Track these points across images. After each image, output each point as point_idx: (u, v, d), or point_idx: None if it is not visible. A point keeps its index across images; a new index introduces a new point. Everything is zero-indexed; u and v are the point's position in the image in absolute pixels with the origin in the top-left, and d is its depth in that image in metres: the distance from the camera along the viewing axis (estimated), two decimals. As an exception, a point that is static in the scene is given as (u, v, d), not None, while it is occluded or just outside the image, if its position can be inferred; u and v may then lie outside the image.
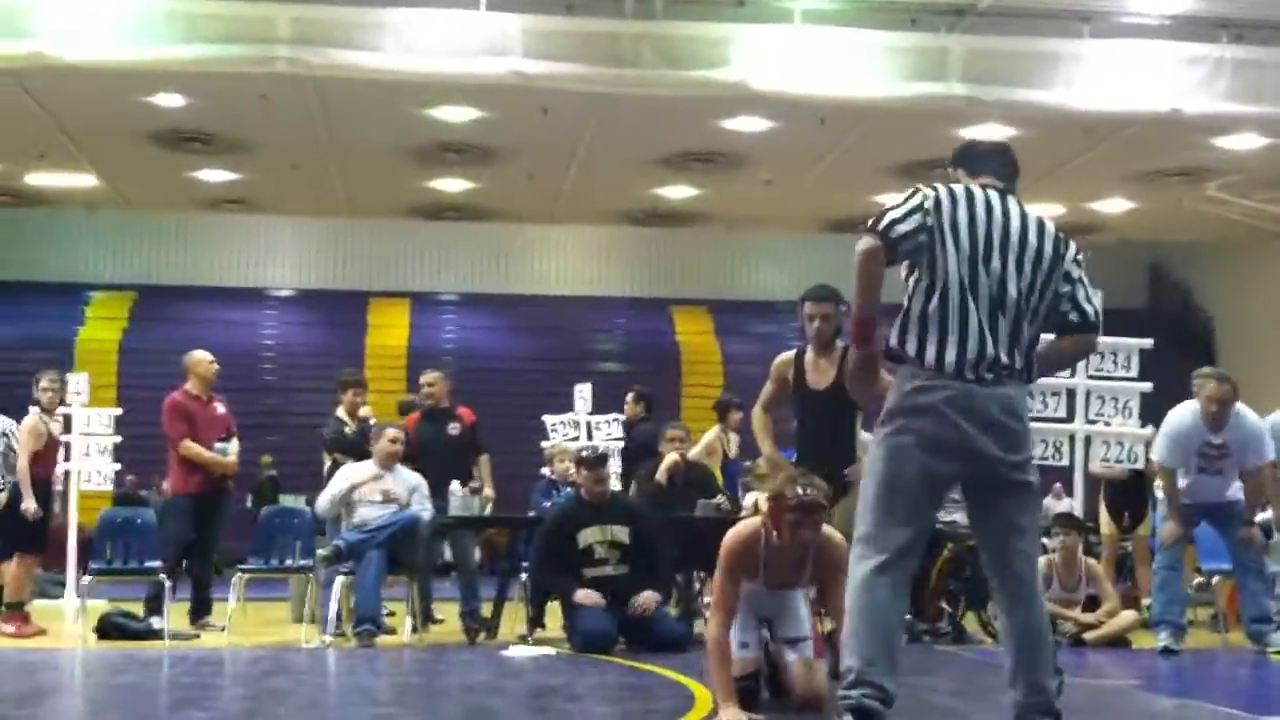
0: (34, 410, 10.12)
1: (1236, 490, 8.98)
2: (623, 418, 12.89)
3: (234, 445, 10.37)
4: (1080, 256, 4.60)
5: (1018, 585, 4.46)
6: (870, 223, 4.45)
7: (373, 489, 9.35)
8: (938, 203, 4.43)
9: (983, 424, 4.32)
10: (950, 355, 4.34)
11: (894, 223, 4.40)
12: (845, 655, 4.36)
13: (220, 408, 10.44)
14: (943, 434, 4.32)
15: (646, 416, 12.15)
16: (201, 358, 10.43)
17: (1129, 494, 10.82)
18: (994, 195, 4.52)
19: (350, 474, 9.49)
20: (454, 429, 10.24)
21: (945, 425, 4.31)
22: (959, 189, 4.51)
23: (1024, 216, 4.52)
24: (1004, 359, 4.36)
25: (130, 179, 20.16)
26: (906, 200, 4.45)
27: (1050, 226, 4.57)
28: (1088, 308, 4.58)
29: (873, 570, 4.33)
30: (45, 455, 10.16)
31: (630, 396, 12.60)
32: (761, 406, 7.37)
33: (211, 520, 10.18)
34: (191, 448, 10.05)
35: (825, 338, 7.10)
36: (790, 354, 7.30)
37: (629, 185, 20.46)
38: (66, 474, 12.20)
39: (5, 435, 10.34)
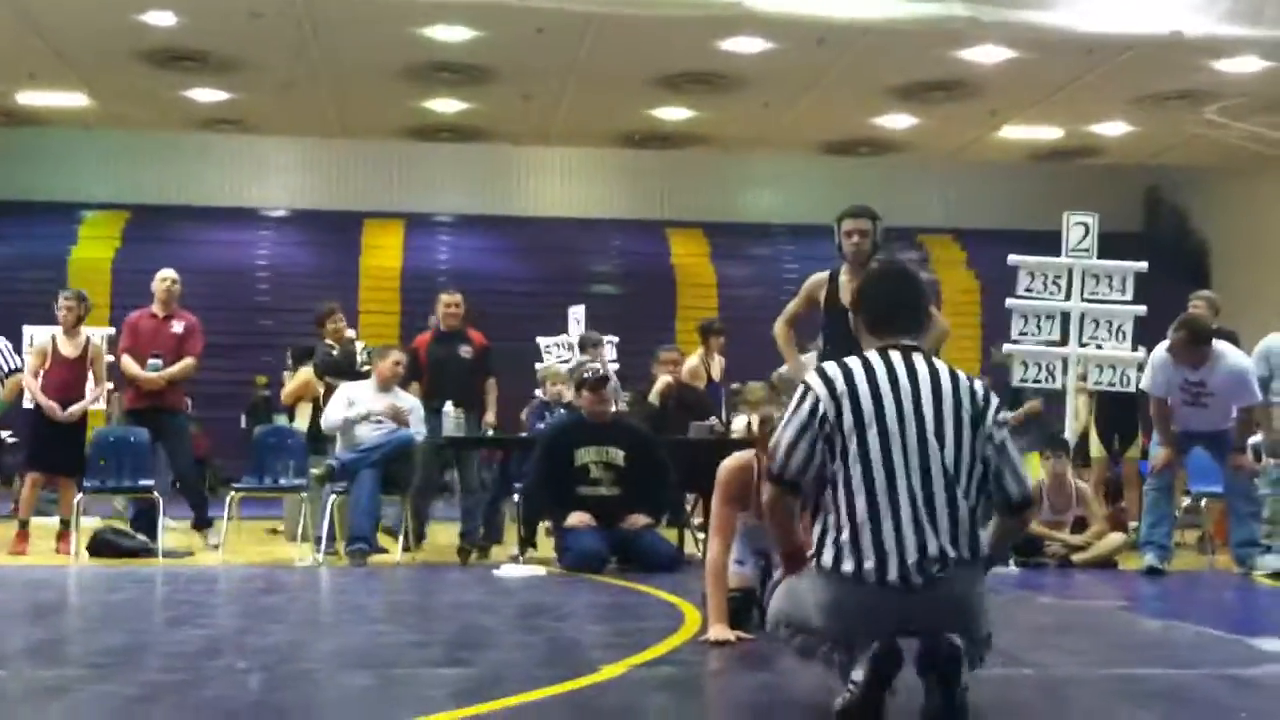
0: (53, 329, 10.21)
1: (1227, 420, 9.02)
2: (615, 340, 12.87)
3: (177, 366, 10.10)
4: (1002, 417, 4.03)
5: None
6: (770, 469, 4.03)
7: (369, 407, 9.40)
8: (836, 399, 3.92)
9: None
10: (870, 564, 3.81)
11: (787, 459, 3.94)
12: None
13: (177, 326, 10.25)
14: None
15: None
16: (160, 275, 10.39)
17: (1119, 417, 10.86)
18: (899, 360, 4.00)
19: (351, 393, 9.52)
20: (465, 351, 10.21)
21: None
22: (858, 369, 3.98)
23: (935, 375, 3.98)
24: (945, 550, 3.82)
25: (122, 98, 19.98)
26: (793, 414, 3.98)
27: (966, 382, 4.00)
28: (1012, 488, 4.00)
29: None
30: (52, 373, 10.09)
31: None
32: (785, 320, 7.49)
33: (164, 437, 10.08)
34: (123, 361, 10.07)
35: (864, 255, 7.17)
36: (824, 274, 7.44)
37: (625, 106, 20.31)
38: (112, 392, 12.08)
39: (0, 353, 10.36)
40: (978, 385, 4.02)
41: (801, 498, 4.03)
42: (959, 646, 3.73)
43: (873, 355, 4.04)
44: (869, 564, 3.80)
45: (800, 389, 4.04)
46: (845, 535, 3.85)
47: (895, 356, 4.01)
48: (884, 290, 4.23)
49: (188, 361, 10.24)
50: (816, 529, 3.96)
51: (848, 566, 3.82)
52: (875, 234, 7.18)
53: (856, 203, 7.36)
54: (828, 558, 3.88)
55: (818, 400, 3.94)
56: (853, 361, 4.02)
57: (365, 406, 9.39)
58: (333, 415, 9.50)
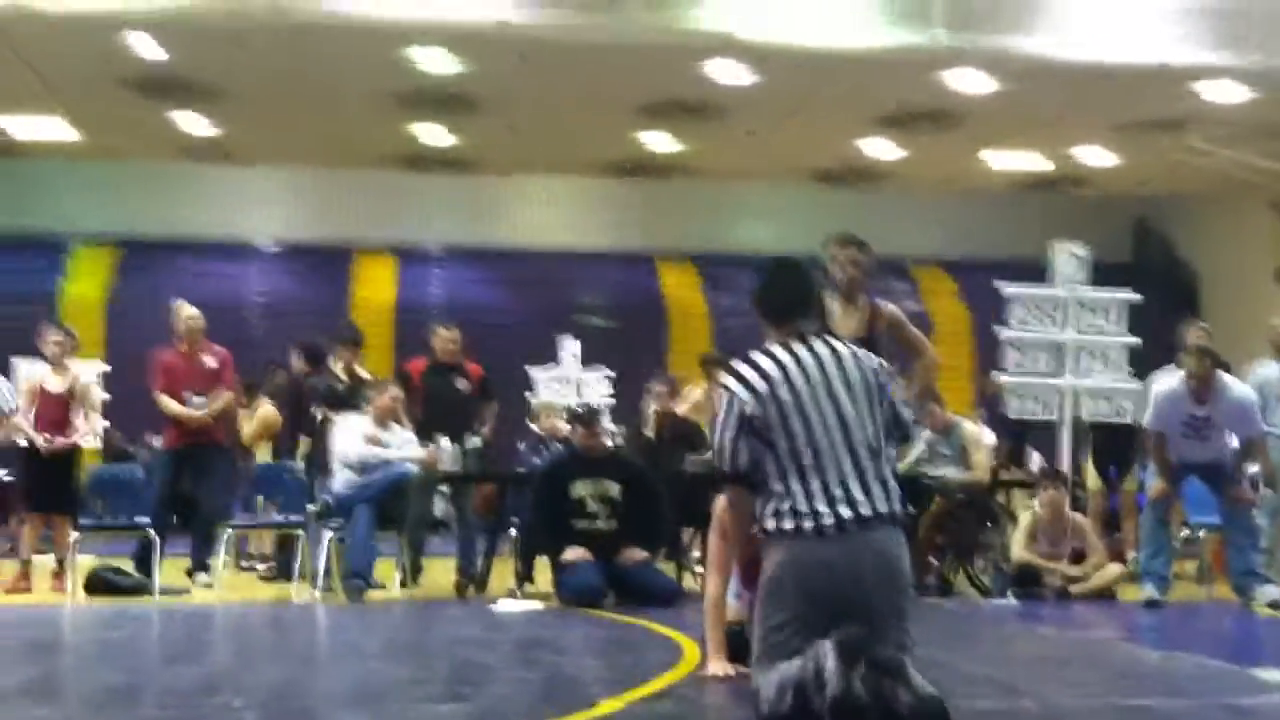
0: (40, 365, 10.23)
1: (1226, 450, 9.03)
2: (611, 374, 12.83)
3: (219, 401, 10.16)
4: (889, 388, 4.54)
5: None
6: (718, 471, 4.54)
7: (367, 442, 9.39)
8: (756, 395, 4.34)
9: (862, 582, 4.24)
10: (809, 523, 4.27)
11: (733, 459, 4.39)
12: None
13: (210, 361, 10.28)
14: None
15: (311, 370, 11.14)
16: (180, 311, 10.37)
17: (1116, 448, 10.86)
18: (804, 350, 4.42)
19: (355, 429, 9.47)
20: (462, 384, 10.19)
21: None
22: (769, 364, 4.39)
23: (838, 356, 4.43)
24: (877, 508, 4.29)
25: (108, 128, 19.93)
26: (725, 419, 4.41)
27: (866, 359, 4.49)
28: (906, 423, 4.73)
29: None
30: (41, 410, 10.00)
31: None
32: None
33: (199, 475, 10.12)
34: (162, 400, 10.03)
35: (852, 284, 6.99)
36: None
37: (611, 135, 20.35)
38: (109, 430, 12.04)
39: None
40: (874, 360, 4.53)
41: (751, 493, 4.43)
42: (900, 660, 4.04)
43: (778, 350, 4.44)
44: (808, 523, 4.25)
45: (724, 395, 4.46)
46: (786, 505, 4.30)
47: (799, 348, 4.43)
48: (778, 285, 4.65)
49: (229, 395, 10.30)
50: (761, 509, 4.38)
51: (788, 525, 4.28)
52: (867, 262, 7.07)
53: (846, 231, 7.23)
54: (772, 524, 4.32)
55: (742, 403, 4.37)
56: (762, 359, 4.43)
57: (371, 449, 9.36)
58: (352, 453, 9.41)
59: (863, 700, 3.94)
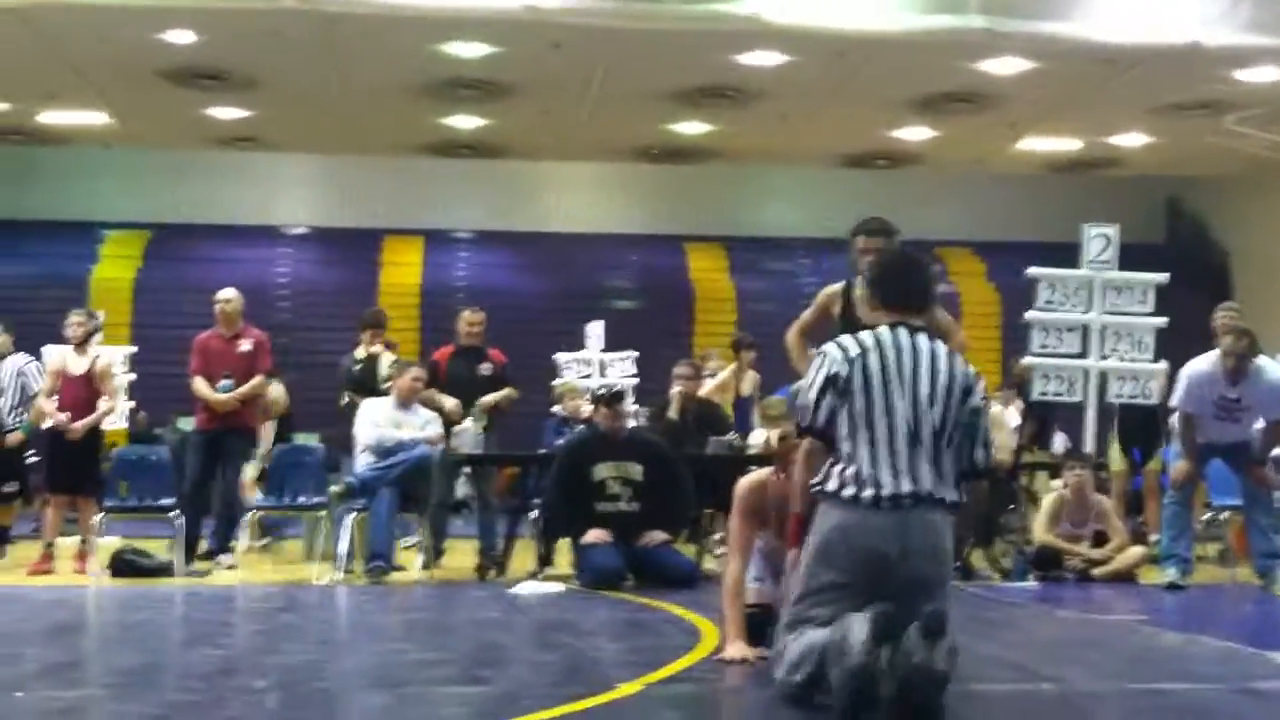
0: (64, 348, 10.26)
1: (1251, 431, 8.97)
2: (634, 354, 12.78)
3: (248, 385, 10.18)
4: (983, 400, 4.71)
5: None
6: (800, 425, 4.73)
7: (388, 424, 9.42)
8: (850, 365, 4.56)
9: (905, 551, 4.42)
10: (869, 492, 4.46)
11: (814, 414, 4.61)
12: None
13: (245, 345, 10.33)
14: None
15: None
16: (219, 295, 10.46)
17: (1141, 429, 10.79)
18: (905, 336, 4.62)
19: (375, 411, 9.52)
20: (485, 369, 10.20)
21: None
22: (869, 341, 4.61)
23: (934, 352, 4.62)
24: (931, 491, 4.47)
25: (143, 117, 20.09)
26: (814, 377, 4.64)
27: (960, 364, 4.67)
28: (977, 455, 4.66)
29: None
30: (63, 391, 10.08)
31: None
32: (798, 330, 7.24)
33: (223, 458, 10.17)
34: (194, 383, 10.11)
35: None
36: (839, 286, 7.05)
37: (643, 121, 20.32)
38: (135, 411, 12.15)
39: (21, 374, 10.42)
40: (969, 369, 4.69)
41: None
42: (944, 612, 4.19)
43: (883, 330, 4.65)
44: (868, 492, 4.45)
45: (819, 356, 4.68)
46: (849, 471, 4.50)
47: (902, 333, 4.63)
48: (897, 272, 4.86)
49: (258, 379, 10.32)
50: (826, 467, 4.59)
51: (848, 492, 4.47)
52: (892, 250, 6.94)
53: (873, 216, 7.03)
54: (833, 485, 4.52)
55: (833, 363, 4.59)
56: (865, 334, 4.66)
57: (395, 429, 9.38)
58: (366, 436, 9.46)
59: (883, 677, 4.04)
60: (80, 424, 9.84)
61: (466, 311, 10.44)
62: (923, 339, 4.64)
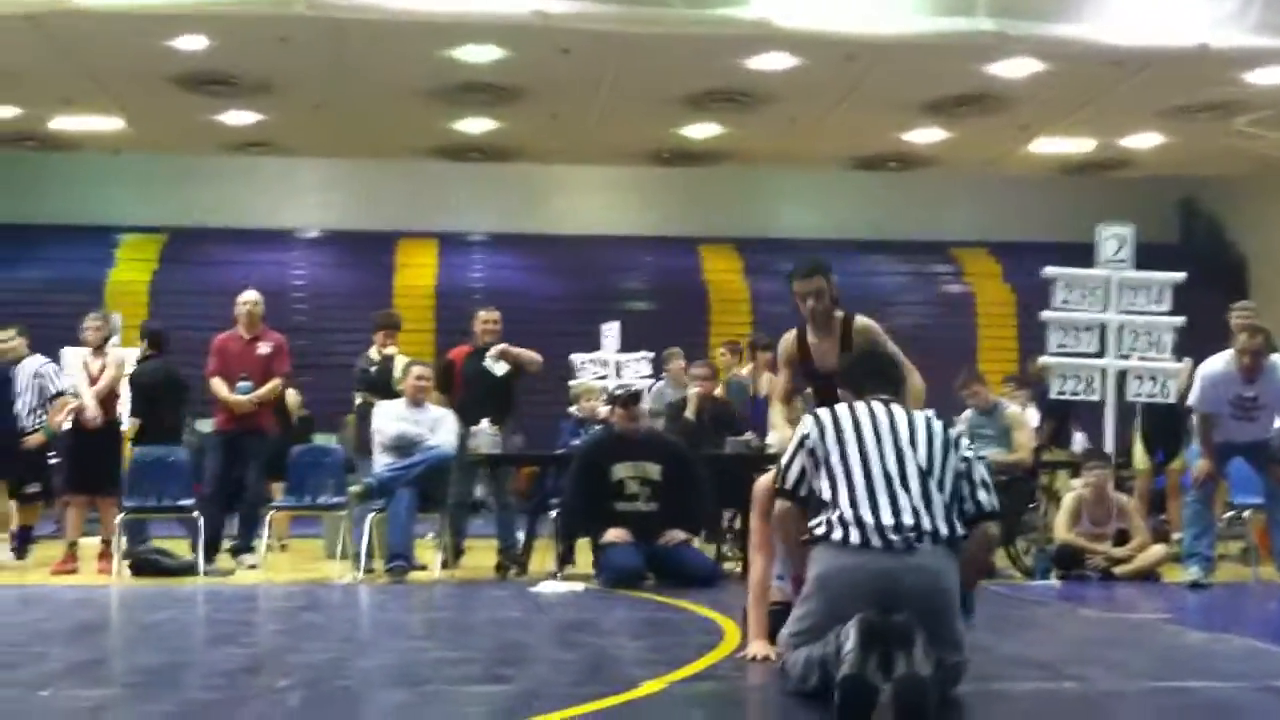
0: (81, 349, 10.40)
1: (1271, 430, 8.95)
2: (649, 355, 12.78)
3: (266, 387, 10.28)
4: (969, 453, 4.78)
5: None
6: (776, 487, 4.87)
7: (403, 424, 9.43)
8: (820, 426, 4.74)
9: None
10: (856, 534, 4.48)
11: (786, 472, 4.79)
12: None
13: (264, 348, 10.40)
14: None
15: (150, 354, 11.03)
16: (244, 297, 10.51)
17: (1165, 428, 10.76)
18: (878, 405, 4.79)
19: (389, 413, 9.53)
20: (500, 369, 10.24)
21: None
22: (840, 407, 4.82)
23: (910, 414, 4.78)
24: (920, 522, 4.47)
25: (156, 122, 20.16)
26: (792, 443, 4.83)
27: (938, 422, 4.82)
28: (983, 498, 4.70)
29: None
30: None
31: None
32: (779, 399, 6.82)
33: (243, 459, 10.22)
34: (213, 384, 10.14)
35: (822, 315, 6.40)
36: (792, 334, 6.61)
37: (653, 124, 20.33)
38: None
39: (40, 376, 10.45)
40: (946, 427, 4.82)
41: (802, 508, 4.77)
42: (925, 680, 4.01)
43: (856, 403, 4.86)
44: (855, 533, 4.47)
45: (799, 427, 4.86)
46: (835, 515, 4.53)
47: (874, 402, 4.82)
48: (860, 368, 5.16)
49: (275, 382, 10.38)
50: (814, 518, 4.65)
51: (837, 535, 4.49)
52: (831, 287, 6.43)
53: (806, 258, 6.63)
54: (821, 531, 4.55)
55: (808, 431, 4.77)
56: (840, 405, 4.88)
57: (407, 427, 9.40)
58: (390, 438, 9.46)
59: (873, 683, 4.00)
60: (93, 400, 9.91)
61: (482, 311, 10.46)
62: (895, 407, 4.81)
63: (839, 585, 4.44)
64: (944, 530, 4.48)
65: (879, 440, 4.64)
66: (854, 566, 4.42)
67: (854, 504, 4.51)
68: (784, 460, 4.82)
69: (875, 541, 4.42)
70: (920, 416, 4.80)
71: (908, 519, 4.45)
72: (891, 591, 4.32)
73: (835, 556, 4.47)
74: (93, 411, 10.01)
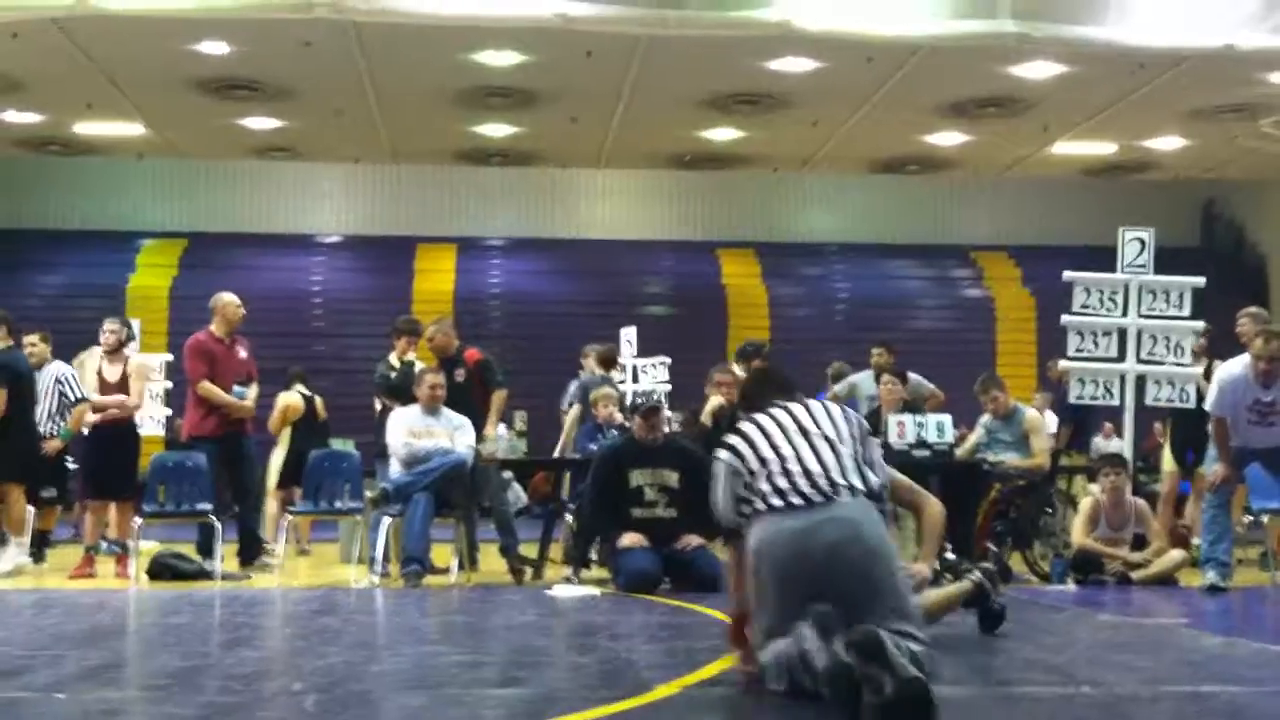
0: (95, 352, 10.43)
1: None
2: (667, 360, 12.77)
3: (253, 390, 10.42)
4: (866, 430, 5.17)
5: None
6: (725, 531, 5.10)
7: (420, 431, 9.45)
8: (732, 447, 5.01)
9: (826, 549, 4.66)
10: (779, 500, 4.80)
11: (727, 511, 4.99)
12: None
13: (243, 352, 10.46)
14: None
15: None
16: (229, 300, 10.47)
17: (1194, 433, 10.71)
18: (776, 410, 5.10)
19: (404, 420, 9.55)
20: (459, 375, 10.17)
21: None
22: (742, 424, 5.14)
23: (808, 404, 5.14)
24: (833, 477, 4.82)
25: (177, 127, 20.27)
26: (719, 480, 5.03)
27: (836, 407, 5.18)
28: (871, 477, 4.96)
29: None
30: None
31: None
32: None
33: (237, 463, 10.24)
34: (209, 389, 10.13)
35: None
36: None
37: (674, 127, 20.35)
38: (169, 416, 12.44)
39: (60, 381, 10.51)
40: (845, 409, 5.20)
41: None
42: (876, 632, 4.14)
43: (757, 415, 5.17)
44: (776, 499, 4.79)
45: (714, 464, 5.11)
46: (760, 501, 4.83)
47: (772, 409, 5.11)
48: (754, 389, 5.49)
49: (256, 387, 10.48)
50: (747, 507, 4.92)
51: (761, 505, 4.81)
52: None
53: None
54: (749, 510, 4.85)
55: (725, 458, 5.01)
56: (742, 422, 5.19)
57: (424, 437, 9.42)
58: (400, 450, 9.49)
59: (851, 666, 4.04)
60: (113, 405, 10.00)
61: (431, 326, 10.45)
62: (793, 404, 5.11)
63: (772, 549, 4.70)
64: (859, 484, 4.84)
65: (783, 429, 4.97)
66: (781, 527, 4.71)
67: (771, 477, 4.83)
68: (715, 498, 5.00)
69: (795, 500, 4.75)
70: (818, 403, 5.15)
71: (821, 480, 4.79)
72: (823, 545, 4.61)
73: (765, 525, 4.77)
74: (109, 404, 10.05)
